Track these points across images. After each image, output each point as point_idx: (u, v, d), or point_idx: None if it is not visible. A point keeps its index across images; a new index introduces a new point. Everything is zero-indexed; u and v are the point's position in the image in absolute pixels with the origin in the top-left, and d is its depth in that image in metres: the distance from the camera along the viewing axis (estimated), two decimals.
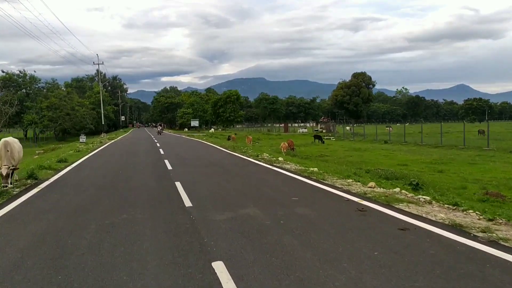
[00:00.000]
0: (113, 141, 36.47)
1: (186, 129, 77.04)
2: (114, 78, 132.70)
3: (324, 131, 62.97)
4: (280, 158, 16.70)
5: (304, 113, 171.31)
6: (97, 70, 52.34)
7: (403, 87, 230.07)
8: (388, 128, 65.36)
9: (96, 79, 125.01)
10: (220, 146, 27.23)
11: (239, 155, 19.39)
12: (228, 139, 41.63)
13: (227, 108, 66.07)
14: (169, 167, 14.42)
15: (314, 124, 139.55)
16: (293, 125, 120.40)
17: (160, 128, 45.02)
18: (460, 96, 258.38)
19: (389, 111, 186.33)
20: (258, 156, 18.08)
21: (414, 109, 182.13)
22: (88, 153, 21.66)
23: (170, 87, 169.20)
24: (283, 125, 73.04)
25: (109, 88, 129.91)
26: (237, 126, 75.70)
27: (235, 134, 53.37)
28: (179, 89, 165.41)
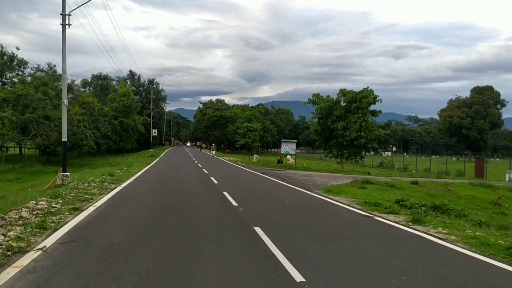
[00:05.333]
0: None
1: (257, 156, 44.31)
2: (151, 81, 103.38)
3: None
4: None
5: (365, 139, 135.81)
6: None
7: None
8: None
9: (129, 82, 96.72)
10: None
11: None
12: None
13: (352, 123, 33.05)
14: None
15: (389, 154, 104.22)
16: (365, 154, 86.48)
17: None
18: None
19: None
20: None
21: None
22: None
23: (216, 99, 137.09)
24: (474, 161, 38.30)
25: (144, 94, 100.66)
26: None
27: (415, 182, 20.08)
28: None
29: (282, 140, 33.74)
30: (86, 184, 12.89)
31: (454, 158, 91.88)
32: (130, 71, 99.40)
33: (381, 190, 17.69)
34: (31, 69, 48.05)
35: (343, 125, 33.49)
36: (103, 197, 10.40)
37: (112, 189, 12.13)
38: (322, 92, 38.58)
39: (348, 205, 10.84)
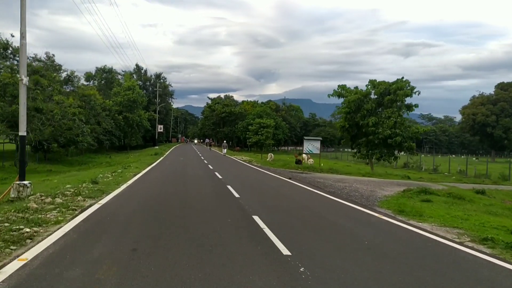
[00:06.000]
0: None
1: (271, 155, 40.41)
2: (158, 76, 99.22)
3: None
4: None
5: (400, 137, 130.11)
6: None
7: None
8: None
9: (135, 76, 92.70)
10: None
11: None
12: None
13: (385, 118, 28.64)
14: None
15: (402, 153, 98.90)
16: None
17: None
18: None
19: None
20: None
21: None
22: None
23: (225, 95, 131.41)
24: None
25: (150, 89, 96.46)
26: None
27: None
28: None
29: (305, 137, 29.20)
30: (49, 200, 8.70)
31: (474, 158, 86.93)
32: (137, 65, 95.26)
33: (453, 204, 13.33)
34: (28, 58, 44.04)
35: (375, 121, 28.97)
36: (57, 230, 6.15)
37: (83, 210, 7.90)
38: (330, 90, 34.38)
39: (463, 244, 6.48)
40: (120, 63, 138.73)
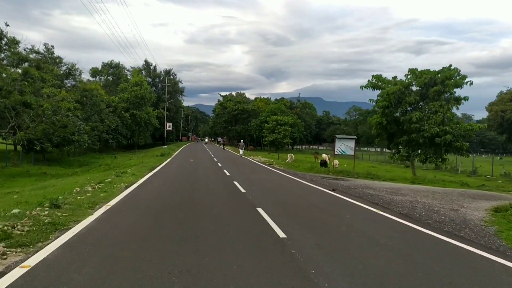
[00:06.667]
0: None
1: (291, 156, 36.38)
2: (167, 72, 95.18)
3: None
4: None
5: (451, 135, 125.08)
6: None
7: None
8: None
9: (144, 73, 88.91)
10: None
11: None
12: None
13: (432, 113, 24.31)
14: None
15: None
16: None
17: None
18: None
19: None
20: None
21: None
22: None
23: (237, 92, 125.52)
24: None
25: (160, 86, 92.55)
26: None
27: None
28: None
29: (336, 136, 24.59)
30: None
31: (498, 158, 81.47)
32: (146, 61, 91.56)
33: None
34: (24, 50, 40.30)
35: (419, 116, 24.30)
36: None
37: None
38: (340, 89, 30.19)
39: None
40: (131, 62, 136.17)
